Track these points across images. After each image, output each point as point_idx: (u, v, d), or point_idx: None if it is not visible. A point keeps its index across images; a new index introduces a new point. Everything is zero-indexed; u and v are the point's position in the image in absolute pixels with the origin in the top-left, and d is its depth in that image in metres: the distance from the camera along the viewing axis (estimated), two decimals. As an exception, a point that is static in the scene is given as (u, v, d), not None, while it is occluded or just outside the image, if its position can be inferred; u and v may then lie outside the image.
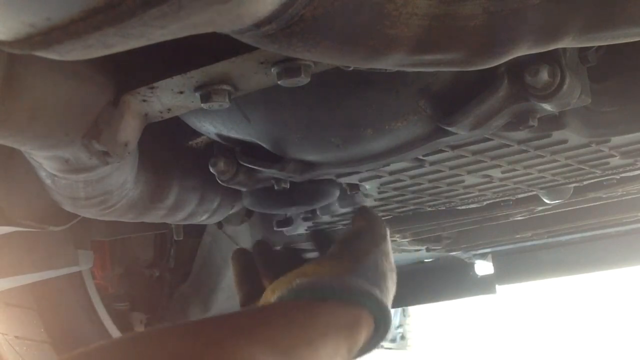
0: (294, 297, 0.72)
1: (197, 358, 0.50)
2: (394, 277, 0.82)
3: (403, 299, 2.40)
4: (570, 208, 1.40)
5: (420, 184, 1.02)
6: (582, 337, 6.41)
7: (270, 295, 0.76)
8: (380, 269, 0.78)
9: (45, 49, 0.34)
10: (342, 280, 0.72)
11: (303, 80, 0.58)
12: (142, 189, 0.90)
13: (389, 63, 0.49)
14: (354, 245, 0.81)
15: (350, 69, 0.59)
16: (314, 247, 0.99)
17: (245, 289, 0.89)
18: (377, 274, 0.77)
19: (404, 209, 1.23)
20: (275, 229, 1.16)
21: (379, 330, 0.74)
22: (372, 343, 0.74)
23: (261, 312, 0.71)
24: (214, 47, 0.57)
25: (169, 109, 0.66)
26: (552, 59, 0.67)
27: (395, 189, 1.04)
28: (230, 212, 1.15)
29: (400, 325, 7.43)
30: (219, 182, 0.89)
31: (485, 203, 1.25)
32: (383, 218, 1.30)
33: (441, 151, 0.85)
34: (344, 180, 0.96)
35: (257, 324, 0.61)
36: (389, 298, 0.78)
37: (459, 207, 1.27)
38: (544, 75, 0.66)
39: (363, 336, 0.71)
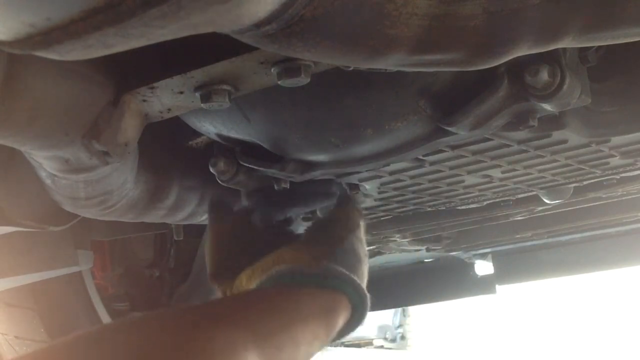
0: (273, 284, 0.72)
1: (177, 345, 0.50)
2: (367, 262, 0.82)
3: (403, 299, 2.40)
4: (570, 208, 1.40)
5: (420, 184, 1.02)
6: (582, 337, 6.41)
7: (246, 280, 0.76)
8: (357, 253, 0.79)
9: (45, 49, 0.34)
10: (321, 265, 0.73)
11: (303, 80, 0.58)
12: (142, 189, 0.90)
13: (389, 63, 0.49)
14: (329, 230, 0.81)
15: (350, 69, 0.59)
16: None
17: (217, 261, 0.87)
18: (355, 258, 0.78)
19: (404, 209, 1.23)
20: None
21: (357, 314, 0.75)
22: (350, 327, 0.75)
23: (241, 298, 0.72)
24: (214, 47, 0.57)
25: (169, 109, 0.66)
26: (552, 59, 0.67)
27: (395, 189, 1.04)
28: (230, 212, 1.15)
29: (400, 325, 7.43)
30: (219, 182, 0.89)
31: (485, 203, 1.25)
32: (383, 218, 1.31)
33: (441, 151, 0.85)
34: (344, 180, 0.96)
35: (237, 310, 0.62)
36: (365, 282, 0.79)
37: (459, 207, 1.27)
38: (544, 75, 0.66)
39: (341, 321, 0.72)
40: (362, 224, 0.85)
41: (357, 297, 0.74)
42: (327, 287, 0.72)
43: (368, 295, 0.76)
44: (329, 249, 0.76)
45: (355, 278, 0.74)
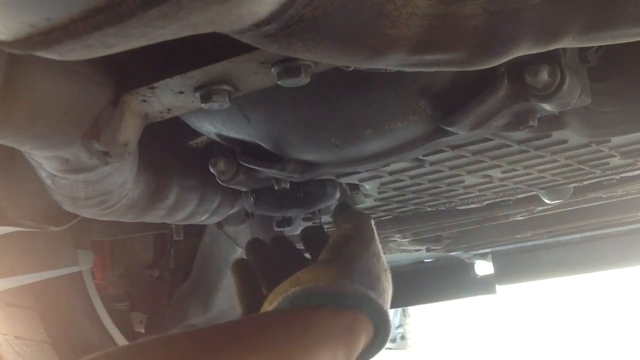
0: (290, 306, 0.71)
1: None
2: (389, 276, 0.81)
3: (403, 299, 2.40)
4: (570, 208, 1.40)
5: (420, 184, 1.02)
6: (582, 337, 6.41)
7: (268, 307, 0.75)
8: (374, 271, 0.77)
9: (45, 49, 0.34)
10: (337, 285, 0.72)
11: (303, 80, 0.58)
12: (142, 189, 0.90)
13: (389, 63, 0.49)
14: (344, 250, 0.79)
15: (350, 69, 0.59)
16: (304, 247, 0.98)
17: (247, 301, 0.87)
18: (371, 277, 0.76)
19: (404, 209, 1.23)
20: (275, 229, 1.16)
21: (379, 334, 0.73)
22: (374, 348, 0.73)
23: (258, 320, 0.71)
24: (214, 47, 0.57)
25: (169, 109, 0.66)
26: (552, 59, 0.67)
27: (395, 189, 1.04)
28: (230, 212, 1.15)
29: (400, 325, 7.43)
30: (219, 182, 0.89)
31: (485, 203, 1.25)
32: (383, 218, 1.31)
33: (441, 151, 0.85)
34: (344, 180, 0.96)
35: (254, 332, 0.61)
36: (386, 299, 0.77)
37: (459, 207, 1.27)
38: (544, 75, 0.66)
39: (362, 341, 0.70)
40: (376, 237, 0.84)
41: (376, 315, 0.72)
42: (345, 306, 0.70)
43: (388, 312, 0.73)
44: (345, 269, 0.74)
45: (373, 295, 0.73)
